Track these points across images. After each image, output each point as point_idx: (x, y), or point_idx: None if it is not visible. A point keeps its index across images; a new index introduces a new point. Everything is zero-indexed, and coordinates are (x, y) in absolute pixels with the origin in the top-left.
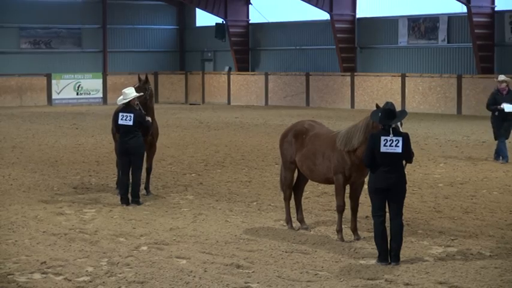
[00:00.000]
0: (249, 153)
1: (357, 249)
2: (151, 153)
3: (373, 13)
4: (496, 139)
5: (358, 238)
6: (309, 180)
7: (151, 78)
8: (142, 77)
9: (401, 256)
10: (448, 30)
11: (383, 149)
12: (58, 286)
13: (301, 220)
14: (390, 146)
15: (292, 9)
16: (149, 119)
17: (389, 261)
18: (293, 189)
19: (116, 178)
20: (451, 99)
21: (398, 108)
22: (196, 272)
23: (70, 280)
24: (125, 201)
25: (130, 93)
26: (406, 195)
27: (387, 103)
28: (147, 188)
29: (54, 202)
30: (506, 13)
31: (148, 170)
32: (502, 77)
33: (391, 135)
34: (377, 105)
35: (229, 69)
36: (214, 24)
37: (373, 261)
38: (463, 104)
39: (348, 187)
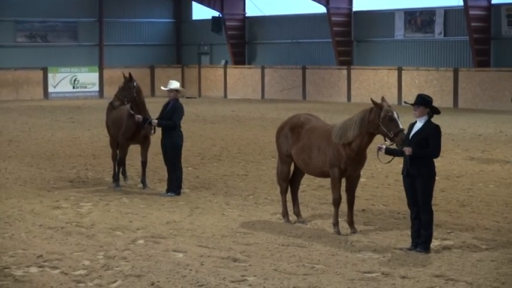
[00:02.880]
0: (245, 147)
1: (354, 242)
2: (146, 147)
3: (369, 6)
4: None
5: (354, 231)
6: (306, 174)
7: (147, 72)
8: (130, 76)
9: (397, 249)
10: (445, 24)
11: None
12: (54, 280)
13: (297, 213)
14: None
15: (289, 2)
16: (140, 116)
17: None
18: (290, 182)
19: (112, 172)
20: (448, 92)
21: (394, 101)
22: (192, 265)
23: (67, 274)
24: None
25: (173, 83)
26: (402, 188)
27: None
28: (143, 181)
29: (50, 196)
30: (503, 6)
31: (144, 164)
32: None
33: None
34: (372, 100)
35: (226, 62)
36: (210, 17)
37: (370, 254)
38: (460, 97)
39: (344, 180)
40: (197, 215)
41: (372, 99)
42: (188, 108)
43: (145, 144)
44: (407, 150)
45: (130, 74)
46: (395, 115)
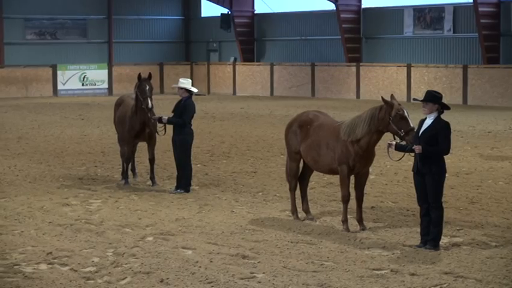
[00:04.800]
0: (254, 144)
1: (363, 239)
2: (152, 144)
3: (378, 3)
4: None
5: (363, 228)
6: (315, 171)
7: (156, 69)
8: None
9: (406, 246)
10: (454, 20)
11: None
12: (64, 276)
13: (306, 210)
14: None
15: None
16: (156, 117)
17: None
18: (299, 179)
19: (121, 169)
20: (457, 89)
21: (403, 98)
22: (202, 262)
23: (76, 270)
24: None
25: (186, 83)
26: (411, 185)
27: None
28: (152, 178)
29: (60, 193)
30: None
31: (151, 161)
32: None
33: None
34: (382, 98)
35: (235, 59)
36: (219, 14)
37: (379, 251)
38: (469, 94)
39: (352, 177)
40: (206, 212)
41: (382, 98)
42: (197, 106)
43: (151, 141)
44: (417, 148)
45: (150, 73)
46: (406, 113)
